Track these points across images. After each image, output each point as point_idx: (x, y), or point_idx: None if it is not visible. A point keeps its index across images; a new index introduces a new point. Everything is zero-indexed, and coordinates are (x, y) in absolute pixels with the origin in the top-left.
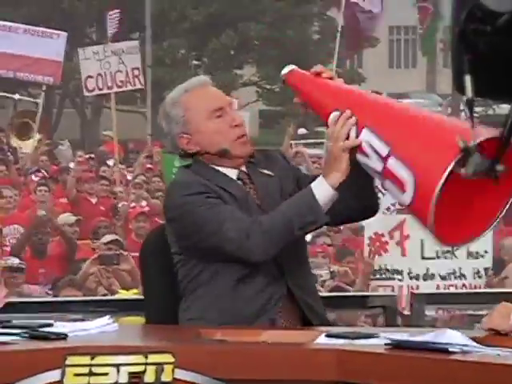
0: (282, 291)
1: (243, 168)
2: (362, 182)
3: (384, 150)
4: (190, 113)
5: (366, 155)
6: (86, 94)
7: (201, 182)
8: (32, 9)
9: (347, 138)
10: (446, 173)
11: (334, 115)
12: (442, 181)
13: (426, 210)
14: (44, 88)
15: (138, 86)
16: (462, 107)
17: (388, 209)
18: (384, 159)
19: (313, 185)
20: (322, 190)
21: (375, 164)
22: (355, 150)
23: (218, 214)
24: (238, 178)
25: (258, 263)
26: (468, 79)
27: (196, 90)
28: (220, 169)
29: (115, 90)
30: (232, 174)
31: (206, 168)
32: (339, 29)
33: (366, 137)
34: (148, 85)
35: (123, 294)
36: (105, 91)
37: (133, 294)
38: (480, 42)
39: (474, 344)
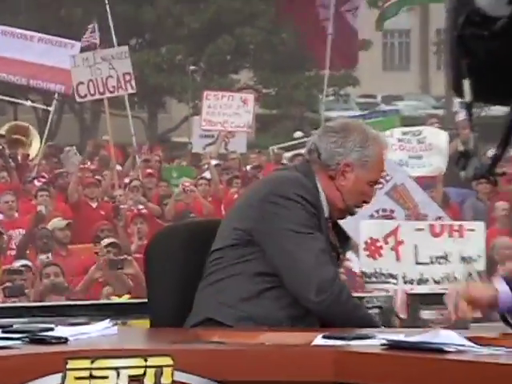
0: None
1: None
2: None
3: None
4: (370, 165)
5: None
6: (78, 99)
7: (315, 193)
8: (30, 16)
9: None
10: None
11: None
12: None
13: None
14: (56, 96)
15: (130, 91)
16: (455, 109)
17: (371, 216)
18: None
19: None
20: None
21: None
22: None
23: (315, 241)
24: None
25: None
26: (466, 83)
27: (386, 151)
28: (322, 200)
29: (107, 95)
30: (326, 211)
31: (316, 188)
32: (330, 31)
33: None
34: (146, 90)
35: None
36: (97, 97)
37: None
38: (478, 46)
39: (469, 343)
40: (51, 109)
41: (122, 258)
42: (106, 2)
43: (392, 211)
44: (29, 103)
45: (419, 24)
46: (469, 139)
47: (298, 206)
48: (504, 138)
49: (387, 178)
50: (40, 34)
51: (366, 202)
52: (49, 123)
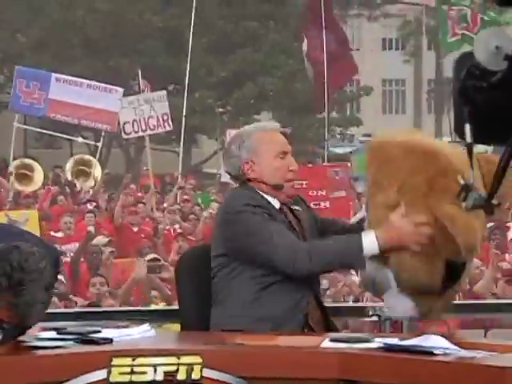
0: (309, 297)
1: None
2: None
3: None
4: (261, 147)
5: None
6: (124, 136)
7: (257, 198)
8: (85, 66)
9: None
10: None
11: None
12: None
13: None
14: (103, 134)
15: (167, 129)
16: None
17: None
18: None
19: (363, 236)
20: (370, 244)
21: None
22: None
23: (270, 226)
24: (280, 209)
25: (295, 277)
26: (468, 127)
27: (271, 132)
28: (267, 197)
29: (148, 132)
30: (276, 204)
31: (256, 193)
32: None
33: None
34: (182, 128)
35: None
36: (140, 134)
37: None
38: (478, 96)
39: (455, 347)
40: (99, 144)
41: (160, 263)
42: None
43: None
44: (80, 139)
45: (413, 74)
46: (469, 175)
47: (249, 213)
48: (498, 174)
49: None
50: (89, 81)
51: (291, 171)
52: (97, 156)
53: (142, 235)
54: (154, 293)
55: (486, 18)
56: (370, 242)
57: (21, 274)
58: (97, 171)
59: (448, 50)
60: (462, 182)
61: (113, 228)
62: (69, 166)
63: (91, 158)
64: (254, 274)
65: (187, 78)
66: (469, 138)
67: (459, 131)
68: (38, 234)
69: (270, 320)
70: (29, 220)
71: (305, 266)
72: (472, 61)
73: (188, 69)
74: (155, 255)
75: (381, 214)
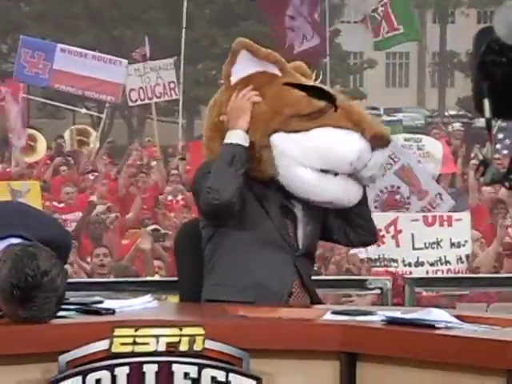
0: (294, 277)
1: None
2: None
3: None
4: None
5: None
6: (130, 104)
7: None
8: (88, 36)
9: None
10: None
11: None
12: None
13: None
14: (107, 105)
15: (174, 97)
16: (445, 120)
17: (381, 191)
18: None
19: (227, 138)
20: (230, 135)
21: None
22: None
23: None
24: None
25: (224, 206)
26: (486, 102)
27: None
28: None
29: (155, 100)
30: None
31: None
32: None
33: None
34: (185, 100)
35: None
36: (146, 101)
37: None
38: (497, 70)
39: (457, 321)
40: (103, 116)
41: (163, 232)
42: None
43: (398, 187)
44: (84, 110)
45: (417, 47)
46: (487, 149)
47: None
48: None
49: (395, 159)
50: (94, 52)
51: None
52: (101, 127)
53: (145, 206)
54: (157, 262)
55: None
56: (229, 135)
57: (35, 292)
58: (96, 142)
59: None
60: (481, 156)
61: (116, 198)
62: (67, 136)
63: (89, 128)
64: (232, 242)
65: (190, 49)
66: (487, 113)
67: (478, 106)
68: (39, 204)
69: (253, 289)
70: (30, 190)
71: (203, 192)
72: (492, 36)
73: (191, 40)
74: (157, 226)
75: None
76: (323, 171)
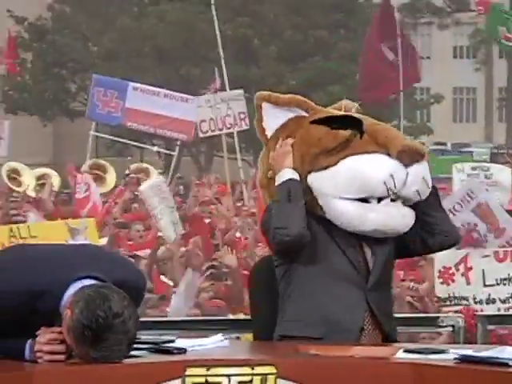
0: (365, 313)
1: None
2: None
3: None
4: None
5: None
6: (201, 135)
7: None
8: (156, 74)
9: None
10: None
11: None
12: None
13: None
14: (179, 143)
15: (244, 127)
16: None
17: (459, 228)
18: None
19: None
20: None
21: None
22: None
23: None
24: None
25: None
26: None
27: None
28: None
29: (225, 131)
30: None
31: None
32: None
33: None
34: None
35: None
36: (216, 132)
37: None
38: None
39: None
40: (174, 153)
41: (226, 271)
42: (222, 62)
43: (476, 225)
44: (156, 148)
45: (484, 82)
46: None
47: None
48: None
49: (473, 196)
50: (165, 90)
51: None
52: (173, 164)
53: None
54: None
55: None
56: (278, 177)
57: (106, 333)
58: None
59: None
60: None
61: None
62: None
63: (148, 165)
64: (304, 277)
65: (257, 87)
66: None
67: None
68: (97, 241)
69: (324, 325)
70: (87, 228)
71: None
72: None
73: (258, 78)
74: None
75: None
76: (363, 200)
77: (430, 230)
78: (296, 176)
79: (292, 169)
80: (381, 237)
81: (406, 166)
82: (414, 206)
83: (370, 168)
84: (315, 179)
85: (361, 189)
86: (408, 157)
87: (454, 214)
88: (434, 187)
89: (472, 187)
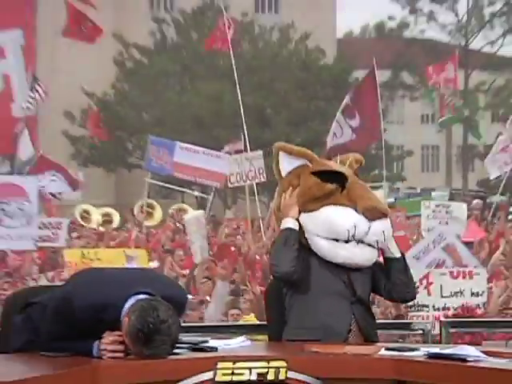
0: (351, 314)
1: None
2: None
3: None
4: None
5: None
6: (230, 185)
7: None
8: (194, 136)
9: None
10: None
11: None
12: None
13: None
14: (214, 189)
15: (262, 180)
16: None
17: (429, 263)
18: None
19: (282, 225)
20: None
21: None
22: None
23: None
24: None
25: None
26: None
27: None
28: None
29: (248, 182)
30: None
31: None
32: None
33: None
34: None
35: (248, 319)
36: (241, 183)
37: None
38: None
39: (484, 356)
40: (210, 197)
41: (243, 288)
42: (245, 127)
43: (444, 261)
44: (196, 193)
45: (445, 142)
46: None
47: None
48: None
49: (443, 237)
50: (204, 149)
51: None
52: (208, 206)
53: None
54: (235, 311)
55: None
56: (283, 223)
57: (155, 335)
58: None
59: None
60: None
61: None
62: (170, 212)
63: (187, 205)
64: (303, 294)
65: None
66: None
67: None
68: (146, 265)
69: (321, 330)
70: (139, 256)
71: (272, 268)
72: None
73: (271, 138)
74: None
75: None
76: (334, 240)
77: (396, 288)
78: (295, 225)
79: (294, 219)
80: (353, 267)
81: (370, 220)
82: (388, 263)
83: (340, 218)
84: (303, 219)
85: (331, 231)
86: (370, 214)
87: (427, 252)
88: (402, 255)
89: (442, 231)
